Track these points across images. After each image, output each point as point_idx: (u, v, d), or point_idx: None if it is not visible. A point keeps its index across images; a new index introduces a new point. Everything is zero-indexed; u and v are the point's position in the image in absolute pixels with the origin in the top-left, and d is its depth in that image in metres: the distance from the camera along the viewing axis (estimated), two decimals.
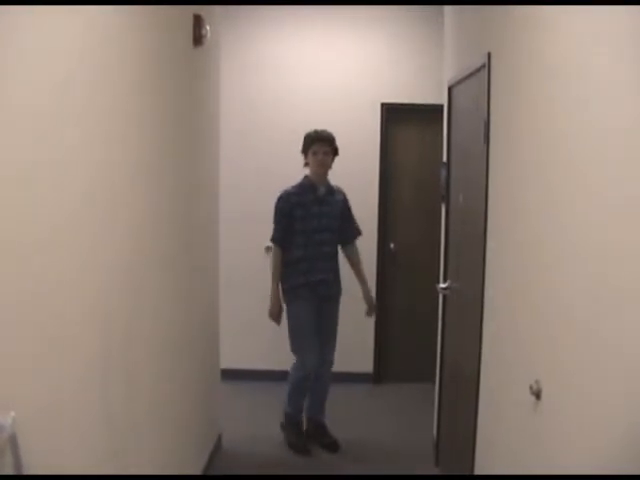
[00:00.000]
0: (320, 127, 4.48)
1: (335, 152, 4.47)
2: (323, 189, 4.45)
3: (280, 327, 4.48)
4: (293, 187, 4.44)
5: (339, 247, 4.58)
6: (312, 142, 4.41)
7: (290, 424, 4.53)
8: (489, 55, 3.01)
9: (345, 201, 4.58)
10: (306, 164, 4.49)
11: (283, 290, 4.44)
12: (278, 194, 4.44)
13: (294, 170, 4.53)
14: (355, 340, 5.61)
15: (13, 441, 1.59)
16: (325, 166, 4.42)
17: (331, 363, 4.56)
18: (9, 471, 1.60)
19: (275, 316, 4.45)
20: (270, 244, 4.49)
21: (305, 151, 4.46)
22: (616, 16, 1.74)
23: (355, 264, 4.64)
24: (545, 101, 2.30)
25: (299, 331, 4.39)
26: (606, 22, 1.81)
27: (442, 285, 3.94)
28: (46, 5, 1.75)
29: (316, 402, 4.55)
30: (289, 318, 4.43)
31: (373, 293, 4.92)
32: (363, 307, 4.65)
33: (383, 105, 5.71)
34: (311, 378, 4.41)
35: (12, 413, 1.58)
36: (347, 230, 4.58)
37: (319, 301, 4.41)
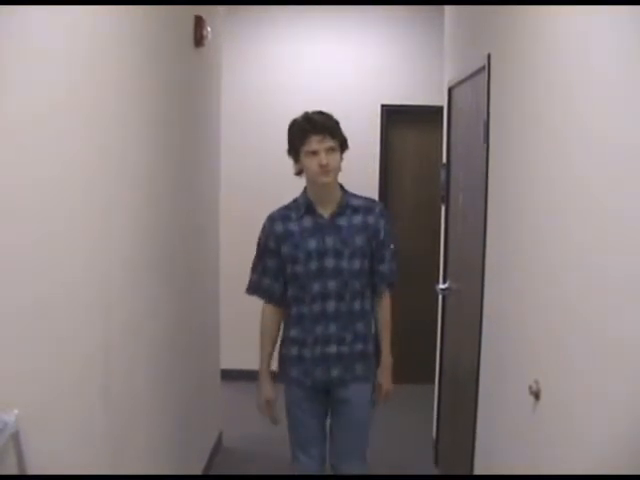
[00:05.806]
0: None
1: (343, 145, 2.76)
2: (330, 209, 2.77)
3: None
4: (282, 208, 2.86)
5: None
6: (304, 136, 2.72)
7: None
8: (489, 56, 3.02)
9: (377, 224, 2.82)
10: (299, 172, 2.80)
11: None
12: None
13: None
14: None
15: (16, 439, 1.60)
16: (331, 171, 2.70)
17: None
18: (12, 469, 1.61)
19: (262, 408, 2.91)
20: None
21: (295, 151, 2.77)
22: (616, 16, 1.75)
23: (376, 322, 3.08)
24: (545, 102, 2.31)
25: (289, 424, 2.93)
26: (606, 22, 1.82)
27: (442, 286, 3.94)
28: (45, 5, 1.75)
29: None
30: (285, 403, 2.91)
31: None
32: None
33: (383, 107, 5.72)
34: None
35: (15, 411, 1.59)
36: (372, 273, 2.90)
37: (321, 386, 2.85)
